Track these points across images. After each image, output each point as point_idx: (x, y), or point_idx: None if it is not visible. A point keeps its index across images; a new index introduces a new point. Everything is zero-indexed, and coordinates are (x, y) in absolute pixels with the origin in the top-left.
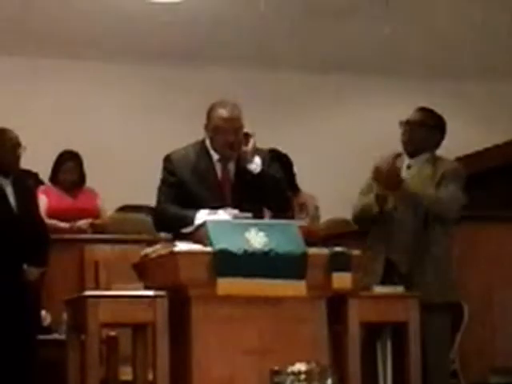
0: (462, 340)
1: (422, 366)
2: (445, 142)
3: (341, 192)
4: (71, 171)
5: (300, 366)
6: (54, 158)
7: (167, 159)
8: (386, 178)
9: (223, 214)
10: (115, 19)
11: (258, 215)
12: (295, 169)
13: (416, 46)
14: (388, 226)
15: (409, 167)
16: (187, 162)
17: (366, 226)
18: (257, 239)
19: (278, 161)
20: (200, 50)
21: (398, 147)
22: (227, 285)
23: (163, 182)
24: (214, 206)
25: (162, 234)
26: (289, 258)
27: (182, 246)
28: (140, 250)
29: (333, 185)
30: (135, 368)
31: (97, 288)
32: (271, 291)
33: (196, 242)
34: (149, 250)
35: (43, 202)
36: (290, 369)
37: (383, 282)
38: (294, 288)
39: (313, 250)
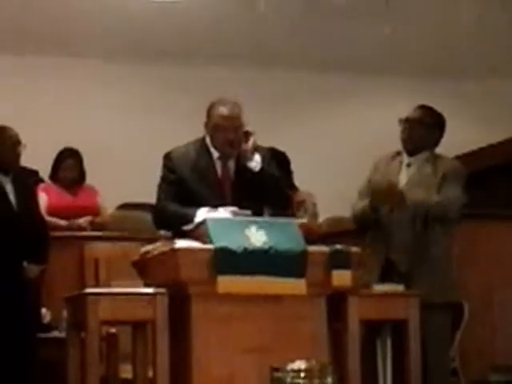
0: (462, 339)
1: (422, 364)
2: (444, 141)
3: (340, 191)
4: (71, 169)
5: (300, 364)
6: (54, 155)
7: (167, 157)
8: (386, 198)
9: (223, 212)
10: (115, 18)
11: (258, 213)
12: (295, 168)
13: (416, 45)
14: (387, 226)
15: (408, 165)
16: (187, 159)
17: (365, 228)
18: (257, 237)
19: (276, 159)
20: (200, 49)
21: (398, 147)
22: (227, 283)
23: (163, 179)
24: (214, 204)
25: (162, 232)
26: (289, 256)
27: (182, 244)
28: (140, 248)
29: (332, 184)
30: (135, 365)
31: (97, 285)
32: (271, 289)
33: (196, 239)
34: (149, 247)
35: (43, 199)
36: (290, 366)
37: (383, 282)
38: (293, 286)
39: (312, 248)
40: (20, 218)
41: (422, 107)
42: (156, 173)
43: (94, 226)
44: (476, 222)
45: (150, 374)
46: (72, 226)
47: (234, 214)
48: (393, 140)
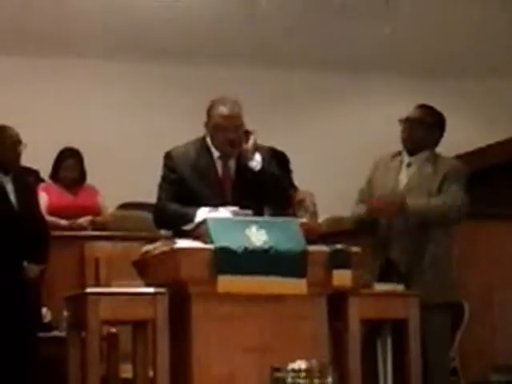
0: (462, 340)
1: (422, 364)
2: (445, 140)
3: (340, 190)
4: (72, 168)
5: (300, 364)
6: (54, 155)
7: (168, 156)
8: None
9: (224, 212)
10: (115, 17)
11: (259, 213)
12: (295, 167)
13: (416, 45)
14: (387, 226)
15: (409, 165)
16: (188, 159)
17: (365, 232)
18: (257, 237)
19: (275, 158)
20: (200, 48)
21: (398, 146)
22: (227, 282)
23: (164, 179)
24: (215, 204)
25: (163, 232)
26: (289, 256)
27: (182, 244)
28: (140, 247)
29: (332, 183)
30: (135, 365)
31: (97, 285)
32: (271, 289)
33: (196, 239)
34: (149, 247)
35: (44, 199)
36: (291, 366)
37: (383, 281)
38: (294, 285)
39: (313, 248)
40: (20, 218)
41: (422, 107)
42: (156, 172)
43: (94, 225)
44: (476, 222)
45: (151, 373)
46: (72, 225)
47: (235, 213)
48: (393, 140)
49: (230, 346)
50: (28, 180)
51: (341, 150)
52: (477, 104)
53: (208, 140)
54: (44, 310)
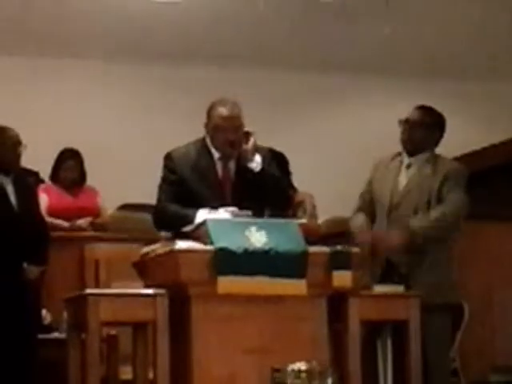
0: (462, 340)
1: (423, 365)
2: (445, 141)
3: (340, 191)
4: (72, 169)
5: (300, 365)
6: (54, 156)
7: (168, 157)
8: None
9: (223, 213)
10: (115, 18)
11: (259, 214)
12: (295, 168)
13: (416, 45)
14: (387, 228)
15: (408, 166)
16: (188, 159)
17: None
18: (257, 238)
19: (275, 159)
20: (199, 50)
21: (398, 147)
22: (227, 283)
23: (164, 179)
24: (215, 205)
25: (163, 233)
26: (289, 257)
27: (182, 245)
28: (140, 249)
29: (332, 184)
30: (135, 367)
31: (97, 286)
32: (271, 290)
33: (196, 240)
34: (149, 248)
35: (44, 200)
36: (291, 367)
37: (383, 282)
38: (294, 286)
39: (313, 249)
40: (20, 219)
41: (422, 108)
42: (156, 173)
43: (94, 226)
44: (476, 223)
45: (151, 375)
46: (72, 226)
47: (235, 214)
48: (393, 140)
49: (230, 347)
50: (28, 181)
51: (341, 151)
52: (477, 105)
53: (208, 141)
54: (44, 312)
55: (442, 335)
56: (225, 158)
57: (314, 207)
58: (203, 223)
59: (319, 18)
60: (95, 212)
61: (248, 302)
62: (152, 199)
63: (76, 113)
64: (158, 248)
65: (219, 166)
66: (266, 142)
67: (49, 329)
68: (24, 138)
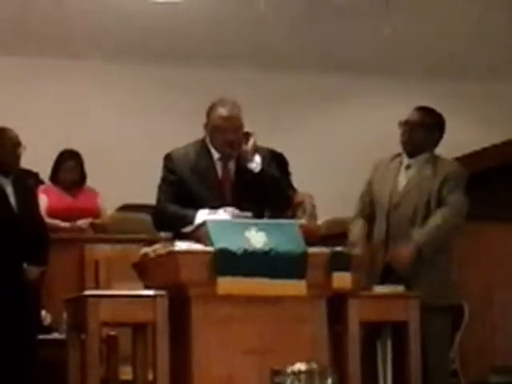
0: (462, 339)
1: (422, 366)
2: (445, 142)
3: (340, 191)
4: (71, 170)
5: (300, 366)
6: (54, 157)
7: (167, 157)
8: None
9: (223, 214)
10: (115, 19)
11: (258, 214)
12: (295, 168)
13: (416, 46)
14: (386, 229)
15: (408, 167)
16: (187, 160)
17: None
18: (257, 238)
19: (275, 160)
20: (199, 50)
21: (398, 147)
22: (227, 284)
23: (163, 180)
24: (214, 205)
25: (162, 234)
26: (289, 258)
27: (182, 246)
28: (140, 250)
29: (332, 185)
30: (135, 367)
31: (97, 287)
32: (271, 291)
33: (196, 241)
34: (149, 249)
35: (43, 201)
36: (290, 369)
37: (383, 283)
38: (294, 287)
39: (313, 250)
40: (20, 220)
41: (422, 108)
42: (156, 174)
43: (94, 227)
44: (476, 223)
45: (150, 376)
46: (72, 227)
47: (234, 215)
48: (393, 140)
49: (230, 348)
50: (28, 182)
51: (341, 151)
52: (477, 105)
53: (208, 142)
54: (44, 313)
55: (442, 336)
56: (224, 159)
57: (313, 207)
58: (203, 224)
59: (319, 18)
60: (95, 213)
61: (248, 302)
62: (152, 200)
63: (76, 113)
64: (157, 249)
65: (219, 167)
66: (266, 142)
67: (48, 329)
68: (24, 139)
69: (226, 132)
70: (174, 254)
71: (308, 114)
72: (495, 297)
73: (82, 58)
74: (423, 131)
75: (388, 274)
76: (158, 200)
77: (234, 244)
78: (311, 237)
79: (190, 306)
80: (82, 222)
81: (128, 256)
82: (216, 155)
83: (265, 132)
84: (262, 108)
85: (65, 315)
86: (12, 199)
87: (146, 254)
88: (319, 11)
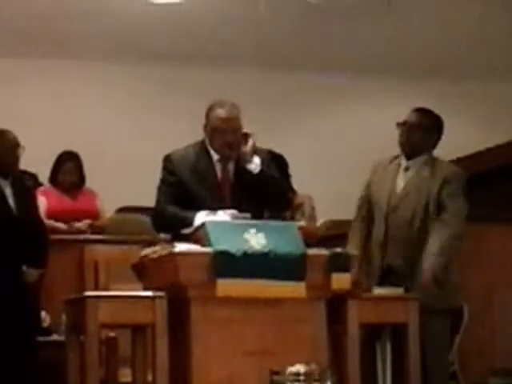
0: (461, 340)
1: (422, 368)
2: (445, 143)
3: (340, 193)
4: (71, 172)
5: (299, 367)
6: (53, 158)
7: (167, 159)
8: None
9: (222, 215)
10: (115, 19)
11: (258, 216)
12: (294, 169)
13: (416, 46)
14: (385, 231)
15: (406, 169)
16: (187, 161)
17: None
18: (256, 240)
19: (274, 161)
20: (200, 50)
21: (398, 148)
22: (227, 286)
23: (163, 181)
24: (214, 207)
25: (162, 235)
26: (288, 259)
27: (181, 247)
28: (139, 251)
29: (332, 185)
30: (135, 369)
31: (96, 289)
32: (271, 292)
33: (195, 242)
34: (148, 250)
35: (43, 203)
36: (290, 370)
37: (382, 285)
38: (293, 289)
39: (312, 251)
40: (19, 222)
41: (420, 110)
42: (156, 176)
43: (93, 229)
44: (477, 224)
45: (150, 377)
46: (71, 229)
47: (234, 217)
48: (393, 141)
49: (230, 349)
50: (27, 184)
51: (341, 152)
52: (477, 105)
53: (207, 143)
54: (43, 314)
55: (442, 338)
56: (224, 160)
57: (313, 209)
58: (202, 226)
59: (320, 18)
60: (94, 214)
61: (247, 304)
62: (151, 202)
63: (75, 114)
64: (157, 250)
65: (218, 168)
66: (266, 142)
67: (48, 331)
68: (23, 140)
69: (225, 133)
70: (173, 256)
71: (308, 114)
72: (495, 298)
73: (81, 59)
74: (421, 133)
75: (386, 275)
76: (158, 201)
77: (233, 245)
78: (310, 238)
79: (190, 307)
80: (82, 224)
81: (127, 257)
82: (215, 156)
83: (265, 132)
84: (262, 108)
85: (64, 317)
86: (11, 201)
87: (145, 256)
88: (319, 12)
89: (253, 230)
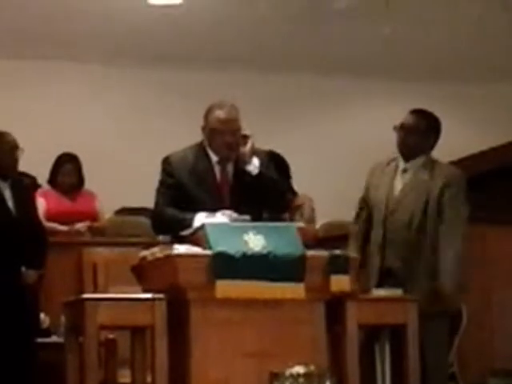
0: (460, 341)
1: (421, 369)
2: (444, 144)
3: (340, 194)
4: (70, 174)
5: (299, 369)
6: (52, 160)
7: (166, 161)
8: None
9: (221, 217)
10: (114, 22)
11: (257, 217)
12: (294, 170)
13: (416, 46)
14: (383, 233)
15: (404, 171)
16: (186, 163)
17: None
18: (255, 242)
19: (275, 162)
20: (198, 53)
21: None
22: (226, 287)
23: (162, 183)
24: (213, 208)
25: (161, 237)
26: (287, 261)
27: (180, 249)
28: (138, 253)
29: (332, 187)
30: (134, 371)
31: (95, 291)
32: (270, 294)
33: (195, 244)
34: (147, 252)
35: (42, 204)
36: (289, 371)
37: (381, 286)
38: (292, 290)
39: (311, 253)
40: (18, 224)
41: (417, 112)
42: (155, 177)
43: (92, 230)
44: (475, 226)
45: (149, 379)
46: (70, 231)
47: (233, 218)
48: (393, 143)
49: (229, 350)
50: (26, 186)
51: (340, 153)
52: (475, 107)
53: (206, 145)
54: (42, 316)
55: (440, 339)
56: (223, 162)
57: (312, 210)
58: (201, 227)
59: (319, 19)
60: (93, 216)
61: (247, 305)
62: (150, 203)
63: (74, 116)
64: (156, 252)
65: (217, 170)
66: (265, 143)
67: (47, 333)
68: (21, 142)
69: (224, 134)
70: (172, 258)
71: (308, 116)
72: (494, 299)
73: (80, 61)
74: (418, 135)
75: (385, 278)
76: (157, 203)
77: (232, 247)
78: (309, 240)
79: (189, 309)
80: (81, 226)
81: (126, 259)
82: (214, 158)
83: (264, 134)
84: (262, 109)
85: (63, 318)
86: (10, 203)
87: (144, 258)
88: (319, 12)
89: (252, 232)
